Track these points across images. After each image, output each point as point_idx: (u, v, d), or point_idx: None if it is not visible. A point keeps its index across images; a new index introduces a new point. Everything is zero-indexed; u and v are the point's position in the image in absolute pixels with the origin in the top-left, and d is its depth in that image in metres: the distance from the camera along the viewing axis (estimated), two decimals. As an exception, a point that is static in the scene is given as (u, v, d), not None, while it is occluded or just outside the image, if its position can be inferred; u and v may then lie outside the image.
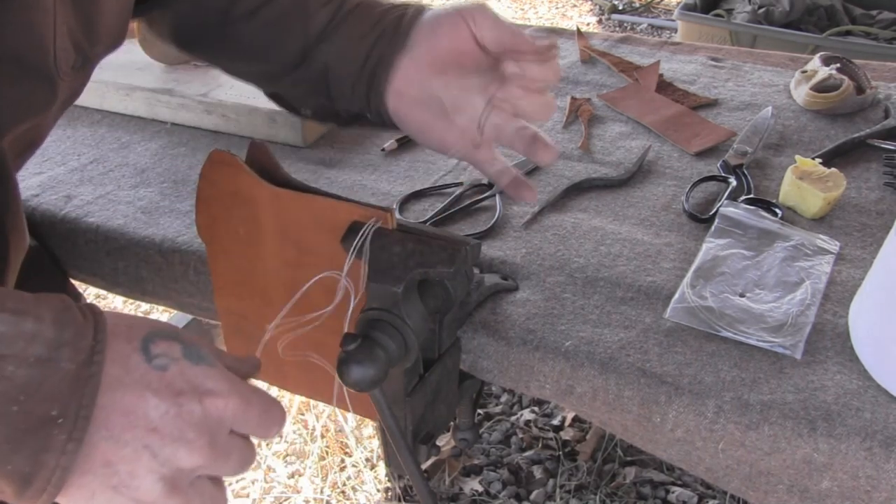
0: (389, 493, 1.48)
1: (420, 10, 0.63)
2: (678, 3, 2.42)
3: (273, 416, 0.45)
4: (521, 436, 1.56)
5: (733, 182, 0.81)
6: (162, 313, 1.82)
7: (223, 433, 0.42)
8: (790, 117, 0.95)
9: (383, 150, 0.92)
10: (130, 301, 1.86)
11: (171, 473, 0.40)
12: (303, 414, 1.65)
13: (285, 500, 1.48)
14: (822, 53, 1.02)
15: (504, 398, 1.65)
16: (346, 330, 0.52)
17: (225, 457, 0.42)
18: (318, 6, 0.65)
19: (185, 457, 0.40)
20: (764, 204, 0.77)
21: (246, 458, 0.44)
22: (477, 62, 0.61)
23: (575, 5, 3.89)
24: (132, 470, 0.39)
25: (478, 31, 0.60)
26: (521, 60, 0.60)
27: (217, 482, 0.44)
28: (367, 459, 1.54)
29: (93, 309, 0.40)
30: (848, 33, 2.30)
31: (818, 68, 0.99)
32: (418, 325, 0.55)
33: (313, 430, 1.61)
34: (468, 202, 0.81)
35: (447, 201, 0.81)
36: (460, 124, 0.63)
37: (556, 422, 1.59)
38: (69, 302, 0.40)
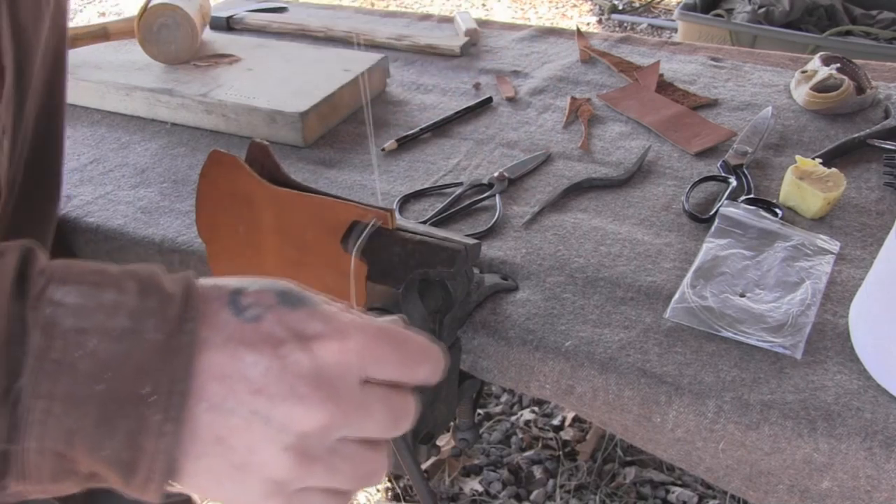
0: (389, 493, 1.47)
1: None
2: (678, 3, 2.42)
3: (414, 351, 0.37)
4: (521, 436, 1.56)
5: (733, 182, 0.81)
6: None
7: (350, 382, 0.35)
8: (790, 117, 0.95)
9: (383, 150, 0.92)
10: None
11: (295, 440, 0.34)
12: (303, 414, 1.65)
13: (285, 500, 1.48)
14: (822, 53, 1.02)
15: (504, 398, 1.65)
16: None
17: (362, 411, 0.35)
18: None
19: (303, 417, 0.34)
20: (764, 204, 0.77)
21: (396, 409, 0.37)
22: None
23: (575, 5, 3.89)
24: (249, 443, 0.34)
25: None
26: None
27: (372, 445, 0.37)
28: (367, 459, 1.54)
29: (184, 276, 0.35)
30: (848, 33, 2.30)
31: (818, 68, 0.99)
32: (418, 325, 0.55)
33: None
34: (468, 202, 0.81)
35: (447, 201, 0.81)
36: None
37: (556, 422, 1.59)
38: (157, 271, 0.35)
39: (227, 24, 1.31)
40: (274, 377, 0.34)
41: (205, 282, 0.36)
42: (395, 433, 0.37)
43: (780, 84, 1.03)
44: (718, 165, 0.85)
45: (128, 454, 0.32)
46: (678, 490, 1.41)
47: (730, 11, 2.38)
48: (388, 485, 1.49)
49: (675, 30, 2.99)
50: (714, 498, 1.40)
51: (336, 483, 0.36)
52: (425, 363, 0.38)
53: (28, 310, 0.31)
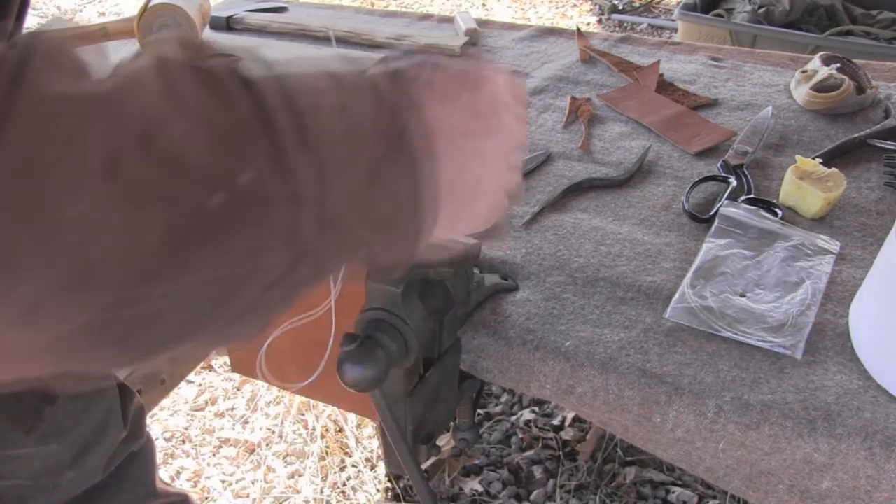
0: (389, 493, 1.47)
1: None
2: (678, 3, 2.42)
3: (518, 84, 0.44)
4: (521, 436, 1.56)
5: (733, 182, 0.81)
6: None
7: (507, 112, 0.42)
8: (790, 117, 0.95)
9: (383, 150, 0.92)
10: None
11: (508, 156, 0.41)
12: (303, 414, 1.65)
13: (285, 500, 1.48)
14: (822, 53, 1.02)
15: (504, 398, 1.65)
16: (333, 327, 0.52)
17: (522, 136, 0.43)
18: None
19: (503, 141, 0.41)
20: (764, 204, 0.77)
21: (526, 136, 0.45)
22: None
23: (575, 5, 3.89)
24: (475, 176, 0.40)
25: None
26: None
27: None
28: (367, 459, 1.54)
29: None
30: (848, 33, 2.30)
31: (818, 68, 0.99)
32: (418, 325, 0.55)
33: (313, 430, 1.61)
34: (468, 202, 0.81)
35: (447, 201, 0.81)
36: None
37: (556, 422, 1.59)
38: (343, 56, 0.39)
39: (227, 24, 1.31)
40: (471, 118, 0.39)
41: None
42: (523, 159, 0.46)
43: (780, 84, 1.03)
44: (718, 165, 0.85)
45: (389, 209, 0.35)
46: (678, 490, 1.41)
47: (730, 11, 2.38)
48: (388, 485, 1.49)
49: (675, 30, 2.99)
50: (714, 498, 1.40)
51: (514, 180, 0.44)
52: (524, 100, 0.46)
53: (265, 94, 0.32)
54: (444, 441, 1.51)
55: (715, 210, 0.76)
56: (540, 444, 1.54)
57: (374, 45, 1.21)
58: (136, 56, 0.31)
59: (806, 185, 0.75)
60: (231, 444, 1.61)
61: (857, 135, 0.88)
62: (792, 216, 0.76)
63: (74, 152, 0.26)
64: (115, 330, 0.30)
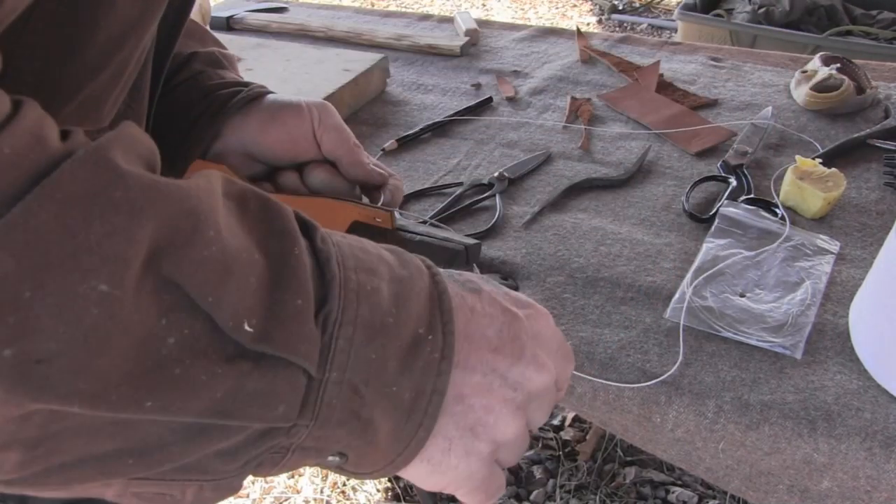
0: (389, 493, 1.47)
1: (255, 94, 0.59)
2: (678, 3, 2.42)
3: (569, 349, 0.42)
4: (521, 436, 1.56)
5: (733, 182, 0.81)
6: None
7: (548, 355, 0.39)
8: (790, 117, 0.95)
9: (383, 150, 0.92)
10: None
11: (524, 400, 0.37)
12: (303, 414, 1.65)
13: (285, 500, 1.48)
14: (822, 53, 1.02)
15: (504, 398, 1.65)
16: None
17: (551, 383, 0.39)
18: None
19: (534, 376, 0.37)
20: (764, 204, 0.77)
21: (554, 398, 0.40)
22: (309, 155, 0.59)
23: (575, 5, 3.89)
24: (487, 403, 0.36)
25: (319, 130, 0.57)
26: (352, 179, 0.57)
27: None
28: (367, 459, 1.54)
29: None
30: (848, 33, 2.30)
31: (818, 68, 0.99)
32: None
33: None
34: (468, 202, 0.81)
35: (447, 201, 0.81)
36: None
37: (556, 422, 1.59)
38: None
39: (227, 24, 1.31)
40: (508, 338, 0.37)
41: None
42: (546, 418, 0.40)
43: (780, 84, 1.03)
44: (718, 165, 0.85)
45: (410, 394, 0.34)
46: (678, 490, 1.41)
47: (730, 11, 2.38)
48: (388, 485, 1.49)
49: (675, 30, 2.99)
50: (714, 498, 1.40)
51: (516, 452, 0.39)
52: (571, 363, 0.42)
53: (319, 246, 0.32)
54: (444, 441, 1.51)
55: (715, 210, 0.76)
56: (540, 444, 1.54)
57: (374, 45, 1.21)
58: (209, 172, 0.31)
59: (806, 185, 0.75)
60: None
61: (857, 135, 0.88)
62: (792, 216, 0.77)
63: (127, 229, 0.26)
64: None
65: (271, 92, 0.61)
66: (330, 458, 0.35)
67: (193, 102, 0.59)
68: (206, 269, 0.28)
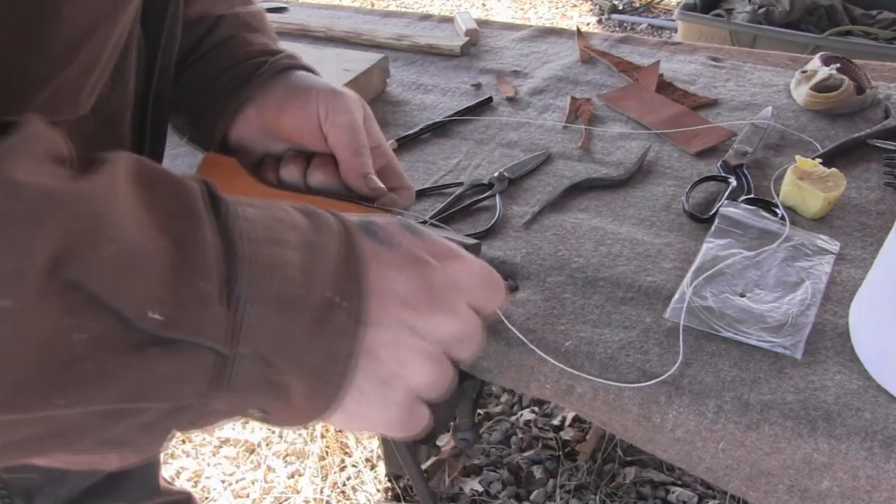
0: (389, 493, 1.47)
1: (280, 67, 0.59)
2: (678, 3, 2.42)
3: (498, 284, 0.42)
4: (521, 436, 1.56)
5: (733, 182, 0.81)
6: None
7: (464, 301, 0.39)
8: (790, 117, 0.95)
9: (383, 150, 0.92)
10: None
11: (435, 349, 0.38)
12: (303, 414, 1.65)
13: (285, 500, 1.48)
14: (822, 53, 1.02)
15: (504, 398, 1.65)
16: None
17: (470, 326, 0.39)
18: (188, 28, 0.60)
19: (444, 324, 0.38)
20: (764, 204, 0.77)
21: (480, 334, 0.41)
22: (315, 147, 0.59)
23: (575, 5, 3.89)
24: (397, 355, 0.37)
25: (325, 125, 0.57)
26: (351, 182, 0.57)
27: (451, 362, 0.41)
28: (367, 459, 1.54)
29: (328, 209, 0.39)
30: (848, 33, 2.30)
31: (818, 68, 0.99)
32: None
33: (313, 430, 1.61)
34: (468, 202, 0.81)
35: (447, 201, 0.81)
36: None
37: (556, 422, 1.59)
38: (297, 203, 0.38)
39: (227, 24, 1.31)
40: (419, 292, 0.37)
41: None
42: (473, 354, 0.41)
43: (780, 84, 1.03)
44: (718, 165, 0.85)
45: (322, 358, 0.34)
46: (678, 490, 1.41)
47: (730, 11, 2.38)
48: (388, 485, 1.49)
49: (675, 30, 2.99)
50: (714, 498, 1.40)
51: (435, 391, 0.40)
52: (500, 296, 0.42)
53: (227, 223, 0.33)
54: (444, 441, 1.51)
55: (715, 210, 0.76)
56: (540, 444, 1.54)
57: (374, 45, 1.21)
58: (115, 157, 0.31)
59: (806, 185, 0.75)
60: (231, 444, 1.61)
61: (857, 135, 0.88)
62: (792, 216, 0.76)
63: (22, 237, 0.26)
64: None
65: (299, 65, 0.59)
66: (251, 412, 0.36)
67: (220, 73, 0.59)
68: (108, 268, 0.28)
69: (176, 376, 0.31)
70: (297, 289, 0.33)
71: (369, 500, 1.46)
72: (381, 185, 0.58)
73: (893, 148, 0.86)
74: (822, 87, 0.95)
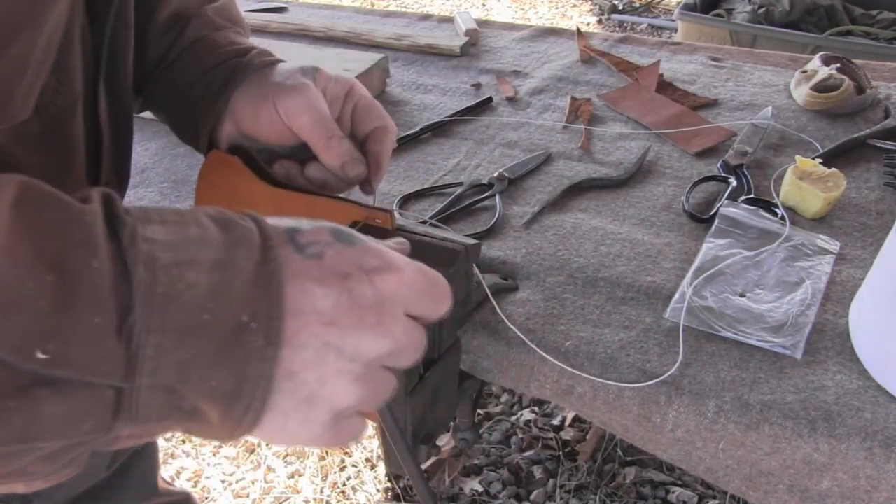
0: (389, 493, 1.47)
1: (251, 69, 0.58)
2: (678, 3, 2.42)
3: (440, 290, 0.40)
4: (521, 436, 1.56)
5: (733, 182, 0.81)
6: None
7: (399, 313, 0.37)
8: (790, 117, 0.95)
9: (383, 150, 0.92)
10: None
11: (363, 369, 0.35)
12: (303, 414, 1.65)
13: (285, 500, 1.48)
14: (822, 53, 1.02)
15: (504, 398, 1.65)
16: None
17: (407, 340, 0.37)
18: (158, 37, 0.60)
19: (372, 344, 0.35)
20: (764, 204, 0.77)
21: (421, 342, 0.39)
22: (297, 142, 0.58)
23: (575, 5, 3.89)
24: (320, 375, 0.34)
25: (289, 122, 0.55)
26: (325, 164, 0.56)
27: (393, 370, 0.39)
28: (367, 459, 1.54)
29: (249, 213, 0.36)
30: (848, 33, 2.30)
31: (818, 68, 0.99)
32: (418, 325, 0.55)
33: (313, 430, 1.60)
34: (468, 202, 0.81)
35: (447, 201, 0.81)
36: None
37: (556, 422, 1.59)
38: (222, 208, 0.36)
39: (227, 24, 1.31)
40: (344, 309, 0.34)
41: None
42: (413, 363, 0.39)
43: (780, 84, 1.03)
44: (718, 165, 0.85)
45: (233, 383, 0.32)
46: (678, 490, 1.41)
47: (730, 11, 2.38)
48: (388, 485, 1.49)
49: (675, 30, 2.99)
50: (714, 498, 1.40)
51: (370, 407, 0.38)
52: (445, 302, 0.40)
53: (126, 248, 0.31)
54: (444, 441, 1.51)
55: (715, 210, 0.76)
56: (540, 444, 1.54)
57: (374, 45, 1.21)
58: (3, 184, 0.30)
59: (806, 185, 0.75)
60: (231, 444, 1.61)
61: (857, 135, 0.88)
62: (792, 216, 0.76)
63: None
64: None
65: (267, 62, 0.58)
66: (169, 431, 0.35)
67: (191, 82, 0.58)
68: None
69: (72, 416, 0.30)
70: (200, 314, 0.31)
71: (369, 500, 1.46)
72: (360, 168, 0.57)
73: (893, 148, 0.86)
74: (822, 87, 0.95)
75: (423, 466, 1.46)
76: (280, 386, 0.34)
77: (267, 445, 1.59)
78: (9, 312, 0.27)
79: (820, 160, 0.78)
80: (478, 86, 1.07)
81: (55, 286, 0.29)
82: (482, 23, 1.29)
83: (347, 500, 1.47)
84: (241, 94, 0.57)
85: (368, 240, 0.38)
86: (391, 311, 0.36)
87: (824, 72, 0.97)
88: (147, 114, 1.00)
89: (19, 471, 0.31)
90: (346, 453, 1.56)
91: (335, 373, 0.35)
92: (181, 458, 1.58)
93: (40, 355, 0.28)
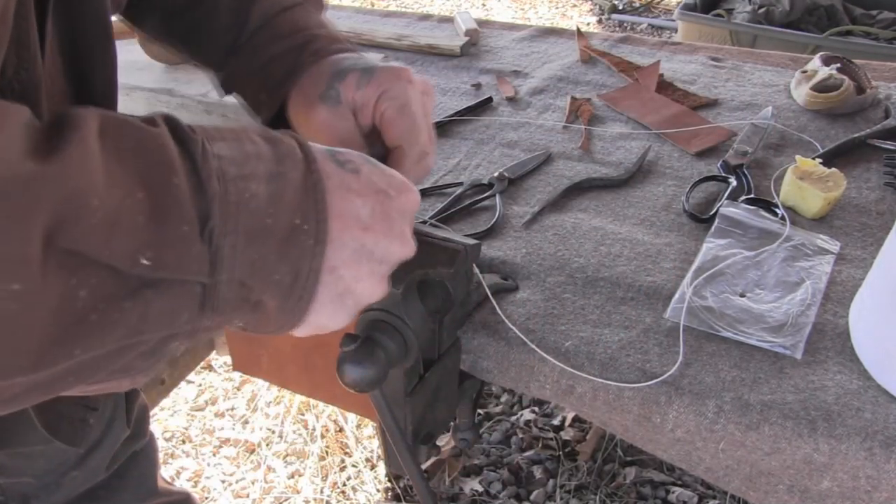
0: (389, 493, 1.47)
1: (318, 57, 0.58)
2: (678, 3, 2.42)
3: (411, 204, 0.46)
4: (521, 436, 1.56)
5: (733, 182, 0.81)
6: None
7: (410, 226, 0.45)
8: (790, 117, 0.95)
9: (383, 150, 0.92)
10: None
11: (386, 270, 0.43)
12: (303, 414, 1.65)
13: (285, 500, 1.48)
14: (822, 53, 1.02)
15: (504, 398, 1.65)
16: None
17: (413, 248, 0.45)
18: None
19: (398, 250, 0.43)
20: (764, 204, 0.77)
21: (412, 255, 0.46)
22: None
23: (575, 5, 3.89)
24: (356, 273, 0.41)
25: (363, 121, 0.56)
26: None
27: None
28: (367, 459, 1.54)
29: (289, 132, 0.41)
30: (848, 33, 2.30)
31: (818, 68, 0.99)
32: (418, 325, 0.55)
33: (313, 430, 1.61)
34: (468, 202, 0.81)
35: (447, 201, 0.81)
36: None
37: (556, 422, 1.59)
38: (264, 127, 0.40)
39: (227, 24, 1.30)
40: (378, 218, 0.42)
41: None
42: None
43: (780, 84, 1.03)
44: (718, 165, 0.85)
45: (290, 277, 0.38)
46: (678, 490, 1.41)
47: (730, 11, 2.38)
48: (388, 485, 1.49)
49: (675, 30, 2.99)
50: (714, 498, 1.40)
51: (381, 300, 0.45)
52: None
53: (200, 163, 0.35)
54: (444, 441, 1.51)
55: (715, 210, 0.76)
56: (540, 444, 1.54)
57: (374, 45, 1.21)
58: (81, 118, 0.33)
59: (806, 185, 0.75)
60: (231, 444, 1.61)
61: (857, 135, 0.88)
62: (792, 216, 0.76)
63: (18, 228, 0.29)
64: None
65: (322, 55, 0.57)
66: (233, 325, 0.40)
67: (256, 71, 0.60)
68: (96, 232, 0.31)
69: (171, 311, 0.35)
70: (264, 219, 0.37)
71: (369, 500, 1.46)
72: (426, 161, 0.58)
73: (893, 148, 0.86)
74: (822, 87, 0.95)
75: (423, 466, 1.46)
76: (324, 279, 0.40)
77: (267, 445, 1.59)
78: (116, 227, 0.32)
79: (820, 160, 0.78)
80: (478, 86, 1.07)
81: (147, 202, 0.33)
82: (482, 23, 1.29)
83: (347, 500, 1.47)
84: (293, 98, 0.58)
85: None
86: (410, 223, 0.44)
87: (824, 72, 0.97)
88: (148, 112, 1.00)
89: (126, 366, 0.36)
90: (346, 453, 1.56)
91: (368, 273, 0.42)
92: (181, 458, 1.58)
93: (144, 261, 0.33)
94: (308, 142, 0.41)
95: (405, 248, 0.44)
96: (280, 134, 0.40)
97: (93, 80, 0.51)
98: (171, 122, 0.36)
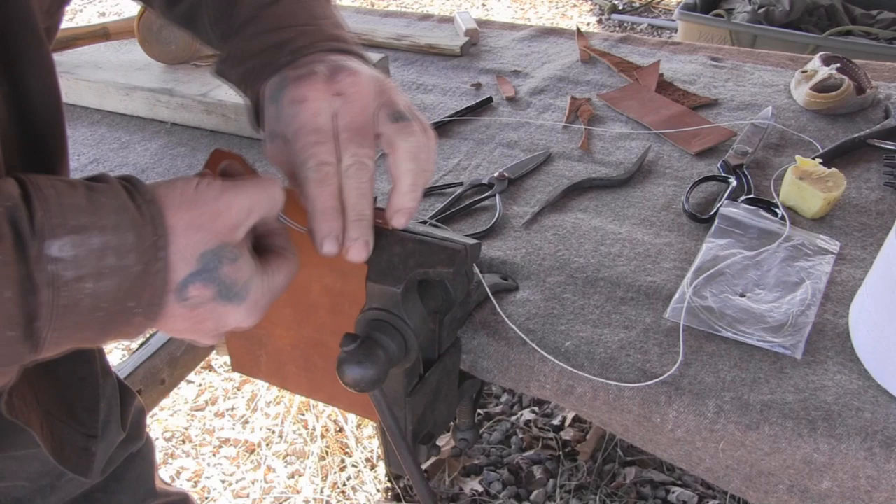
0: (389, 493, 1.47)
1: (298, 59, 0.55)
2: (678, 3, 2.42)
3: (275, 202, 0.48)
4: (521, 436, 1.56)
5: (733, 182, 0.81)
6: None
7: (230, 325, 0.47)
8: (790, 117, 0.95)
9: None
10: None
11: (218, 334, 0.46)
12: (303, 414, 1.65)
13: (285, 500, 1.48)
14: (822, 53, 1.02)
15: (504, 398, 1.65)
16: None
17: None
18: None
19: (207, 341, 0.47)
20: (764, 204, 0.77)
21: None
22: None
23: (575, 5, 3.89)
24: (190, 327, 0.45)
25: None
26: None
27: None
28: (367, 459, 1.54)
29: (149, 201, 0.41)
30: (848, 33, 2.30)
31: (818, 68, 0.99)
32: (418, 325, 0.55)
33: (313, 430, 1.61)
34: (468, 202, 0.81)
35: (447, 201, 0.81)
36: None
37: (556, 422, 1.59)
38: (123, 198, 0.40)
39: (227, 24, 1.30)
40: (189, 333, 0.45)
41: (175, 213, 0.42)
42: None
43: (780, 84, 1.03)
44: (718, 165, 0.85)
45: (117, 341, 0.43)
46: (678, 490, 1.41)
47: (730, 11, 2.38)
48: (388, 485, 1.49)
49: (675, 30, 2.99)
50: (714, 498, 1.40)
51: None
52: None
53: (34, 271, 0.36)
54: (444, 441, 1.51)
55: (715, 210, 0.76)
56: (540, 444, 1.54)
57: (374, 45, 1.21)
58: None
59: (806, 185, 0.75)
60: (231, 444, 1.61)
61: (857, 135, 0.88)
62: (792, 216, 0.76)
63: None
64: None
65: (287, 63, 0.55)
66: None
67: (240, 62, 0.59)
68: None
69: None
70: (95, 313, 0.39)
71: (369, 500, 1.46)
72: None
73: (893, 148, 0.86)
74: (822, 87, 0.95)
75: (423, 466, 1.47)
76: (175, 326, 0.44)
77: (267, 445, 1.59)
78: None
79: (820, 160, 0.78)
80: (478, 86, 1.07)
81: None
82: (482, 23, 1.29)
83: (347, 500, 1.47)
84: (264, 97, 0.55)
85: (245, 296, 0.45)
86: (224, 327, 0.46)
87: (824, 72, 0.97)
88: (148, 112, 1.00)
89: None
90: (346, 453, 1.56)
91: (198, 333, 0.45)
92: (181, 458, 1.58)
93: None
94: (175, 231, 0.41)
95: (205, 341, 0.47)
96: (142, 214, 0.40)
97: (28, 86, 0.49)
98: (13, 217, 0.36)
